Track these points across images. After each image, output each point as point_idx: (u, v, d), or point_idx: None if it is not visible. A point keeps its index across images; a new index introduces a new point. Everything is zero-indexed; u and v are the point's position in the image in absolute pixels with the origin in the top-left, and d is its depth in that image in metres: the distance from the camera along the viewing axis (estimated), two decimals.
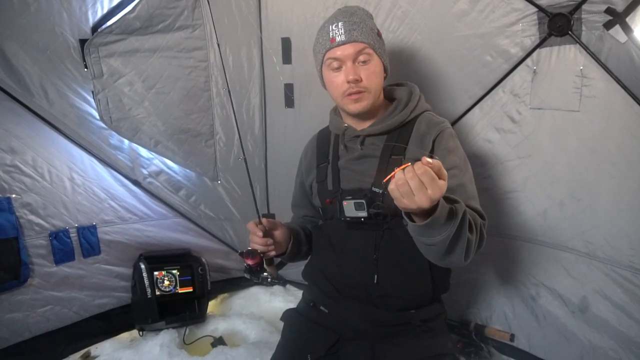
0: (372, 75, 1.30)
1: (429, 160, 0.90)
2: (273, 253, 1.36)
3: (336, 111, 1.49)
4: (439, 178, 0.91)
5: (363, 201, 1.26)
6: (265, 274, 1.34)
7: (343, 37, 1.27)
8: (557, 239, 1.71)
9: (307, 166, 1.56)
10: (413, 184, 0.90)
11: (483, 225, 1.20)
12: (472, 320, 1.96)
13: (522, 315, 1.85)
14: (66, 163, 1.96)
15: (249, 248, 1.32)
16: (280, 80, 2.18)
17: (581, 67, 1.52)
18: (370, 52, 1.29)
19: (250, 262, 1.28)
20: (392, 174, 0.94)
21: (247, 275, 1.32)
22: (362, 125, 1.40)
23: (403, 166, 0.93)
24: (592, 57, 1.49)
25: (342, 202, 1.30)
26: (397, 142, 1.33)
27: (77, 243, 1.98)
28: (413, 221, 1.03)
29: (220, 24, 2.09)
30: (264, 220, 1.35)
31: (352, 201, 1.28)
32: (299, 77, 2.14)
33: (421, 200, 0.91)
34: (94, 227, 2.05)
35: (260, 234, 1.31)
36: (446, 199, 1.03)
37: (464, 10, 1.67)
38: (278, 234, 1.37)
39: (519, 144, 1.73)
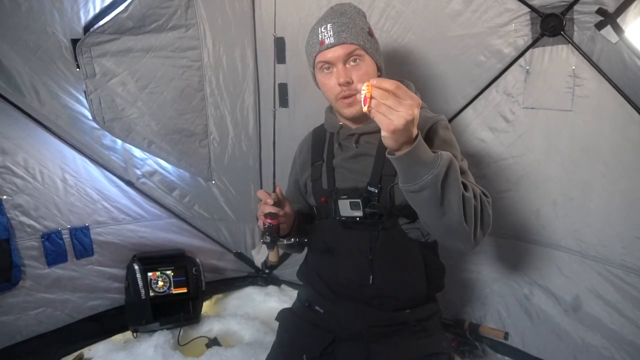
0: (364, 76, 1.28)
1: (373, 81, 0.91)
2: (284, 225, 1.32)
3: (331, 109, 1.48)
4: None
5: (359, 200, 1.25)
6: (283, 240, 1.30)
7: (332, 40, 1.25)
8: (550, 238, 1.72)
9: (302, 164, 1.55)
10: (389, 103, 0.90)
11: (487, 199, 1.15)
12: (467, 319, 1.97)
13: (515, 314, 1.86)
14: (58, 164, 1.95)
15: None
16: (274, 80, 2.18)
17: (573, 67, 1.54)
18: (361, 53, 1.27)
19: (271, 221, 1.24)
20: (365, 95, 0.92)
21: (265, 239, 1.27)
22: (357, 124, 1.40)
23: (366, 88, 0.92)
24: (584, 57, 1.50)
25: (338, 201, 1.30)
26: None
27: (69, 244, 1.97)
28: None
29: (214, 24, 2.09)
30: (277, 189, 1.32)
31: (348, 200, 1.28)
32: (292, 77, 2.14)
33: (404, 114, 0.90)
34: (87, 228, 2.03)
35: (271, 201, 1.27)
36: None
37: (457, 11, 1.67)
38: (288, 207, 1.34)
39: (513, 143, 1.74)
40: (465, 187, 1.06)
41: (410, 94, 0.92)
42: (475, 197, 1.09)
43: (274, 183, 1.36)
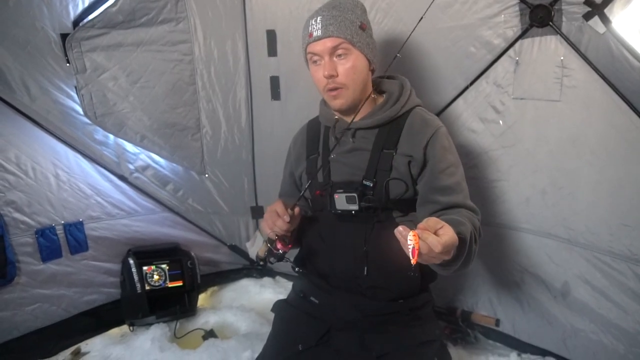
0: (350, 70, 1.29)
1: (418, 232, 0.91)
2: (289, 239, 1.32)
3: (326, 102, 1.49)
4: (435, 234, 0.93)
5: (355, 195, 1.27)
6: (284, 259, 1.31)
7: (319, 32, 1.27)
8: (540, 227, 1.75)
9: (297, 157, 1.56)
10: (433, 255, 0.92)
11: (477, 217, 1.25)
12: (459, 307, 2.01)
13: (506, 301, 1.90)
14: (50, 159, 1.94)
15: (279, 234, 1.25)
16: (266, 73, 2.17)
17: (562, 58, 1.55)
18: (347, 47, 1.28)
19: (283, 247, 1.23)
20: (414, 247, 0.90)
21: (271, 261, 1.26)
22: (348, 116, 1.41)
23: (413, 239, 0.90)
24: (572, 47, 1.52)
25: (334, 195, 1.31)
26: (388, 137, 1.34)
27: (64, 240, 1.97)
28: None
29: (205, 17, 2.08)
30: (296, 209, 1.28)
31: (344, 194, 1.29)
32: (284, 69, 2.14)
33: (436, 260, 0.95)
34: (81, 223, 2.03)
35: (288, 218, 1.25)
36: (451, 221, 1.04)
37: (447, 2, 1.68)
38: (297, 223, 1.34)
39: (503, 133, 1.76)
40: (475, 240, 1.15)
41: (449, 246, 0.92)
42: (477, 238, 1.17)
43: (301, 192, 1.33)
